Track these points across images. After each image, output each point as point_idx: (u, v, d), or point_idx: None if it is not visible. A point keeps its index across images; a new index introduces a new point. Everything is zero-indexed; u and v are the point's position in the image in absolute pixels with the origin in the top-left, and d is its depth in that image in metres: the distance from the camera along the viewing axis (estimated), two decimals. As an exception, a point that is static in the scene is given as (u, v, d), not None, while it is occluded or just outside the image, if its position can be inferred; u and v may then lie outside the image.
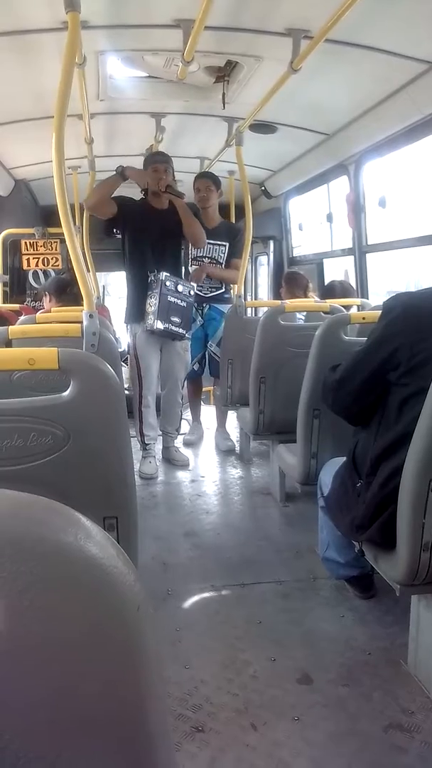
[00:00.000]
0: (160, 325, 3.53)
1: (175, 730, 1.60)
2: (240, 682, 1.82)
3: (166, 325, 3.54)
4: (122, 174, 3.59)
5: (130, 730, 0.39)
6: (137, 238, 3.68)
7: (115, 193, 3.64)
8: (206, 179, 4.13)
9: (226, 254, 4.18)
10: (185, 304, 3.61)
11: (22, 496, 0.42)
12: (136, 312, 3.71)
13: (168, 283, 3.53)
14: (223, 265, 4.19)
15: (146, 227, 3.64)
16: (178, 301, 3.57)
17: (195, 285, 3.85)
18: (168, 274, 3.55)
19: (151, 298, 3.56)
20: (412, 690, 1.76)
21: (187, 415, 4.74)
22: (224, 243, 4.16)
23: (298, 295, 4.07)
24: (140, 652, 0.42)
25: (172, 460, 3.96)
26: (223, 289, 4.22)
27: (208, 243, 4.09)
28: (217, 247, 4.17)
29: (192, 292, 3.68)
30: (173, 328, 3.58)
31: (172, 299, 3.55)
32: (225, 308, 4.14)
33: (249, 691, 1.77)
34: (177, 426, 4.05)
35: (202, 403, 4.73)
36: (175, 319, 3.57)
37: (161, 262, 3.62)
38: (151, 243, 3.65)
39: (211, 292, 4.22)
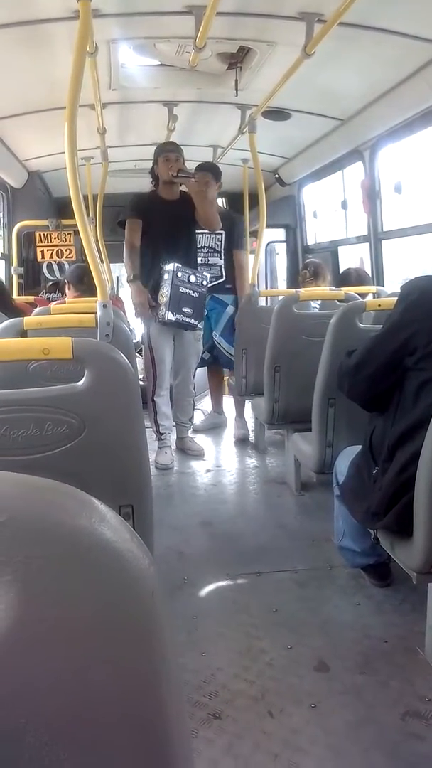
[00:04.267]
0: (171, 316, 3.54)
1: (192, 717, 1.61)
2: (257, 669, 1.82)
3: (178, 316, 3.56)
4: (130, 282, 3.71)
5: (145, 714, 0.39)
6: (148, 230, 3.68)
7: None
8: (205, 172, 4.04)
9: (223, 242, 4.15)
10: (197, 295, 3.61)
11: (35, 480, 0.42)
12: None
13: (180, 274, 3.54)
14: (221, 255, 4.16)
15: (157, 219, 3.65)
16: (190, 292, 3.58)
17: (208, 276, 3.84)
18: (180, 265, 3.55)
19: (162, 289, 3.57)
20: (429, 677, 1.76)
21: (201, 405, 4.75)
22: (220, 231, 4.12)
23: (321, 286, 4.04)
24: (155, 637, 0.41)
25: (186, 450, 3.97)
26: (224, 279, 4.20)
27: (204, 233, 4.08)
28: (214, 236, 4.16)
29: (205, 283, 3.67)
30: (184, 318, 3.59)
31: (184, 290, 3.56)
32: (226, 298, 4.14)
33: (266, 679, 1.78)
34: (190, 416, 4.06)
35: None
36: (187, 310, 3.58)
37: (173, 253, 3.62)
38: (162, 235, 3.65)
39: (211, 281, 4.20)
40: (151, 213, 3.67)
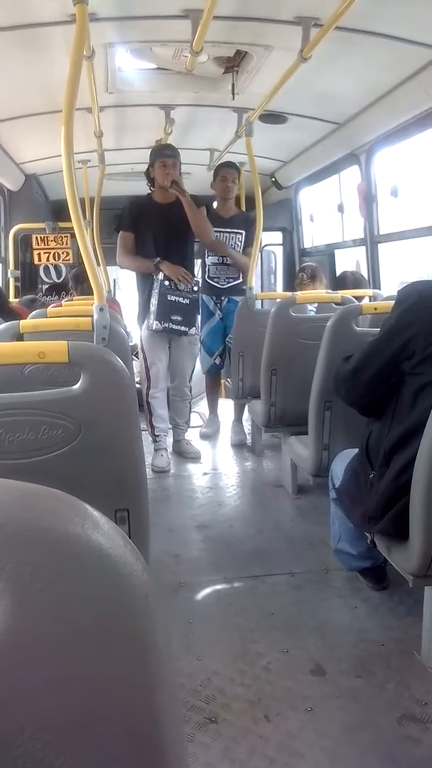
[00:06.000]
0: (158, 325, 3.58)
1: (188, 721, 1.61)
2: (253, 673, 1.82)
3: (166, 325, 3.58)
4: (157, 266, 3.57)
5: (140, 719, 0.39)
6: (141, 234, 3.66)
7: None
8: (234, 170, 4.14)
9: (243, 242, 4.17)
10: (187, 301, 3.61)
11: (29, 487, 0.42)
12: (143, 309, 3.74)
13: (166, 283, 3.54)
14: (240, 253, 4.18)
15: (150, 223, 3.63)
16: (179, 299, 3.58)
17: (199, 281, 3.84)
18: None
19: (152, 298, 3.59)
20: (425, 681, 1.76)
21: (198, 408, 4.74)
22: (241, 231, 4.16)
23: (317, 289, 4.04)
24: (149, 641, 0.41)
25: (183, 453, 3.97)
26: (240, 280, 4.17)
27: (225, 232, 4.10)
28: (235, 235, 4.18)
29: (195, 288, 3.67)
30: (174, 326, 3.60)
31: (173, 298, 3.56)
32: (242, 300, 4.10)
33: (262, 683, 1.78)
34: (186, 419, 4.06)
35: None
36: (176, 317, 3.59)
37: (165, 258, 3.58)
38: (154, 238, 3.63)
39: (227, 283, 4.19)
40: (143, 218, 3.65)
